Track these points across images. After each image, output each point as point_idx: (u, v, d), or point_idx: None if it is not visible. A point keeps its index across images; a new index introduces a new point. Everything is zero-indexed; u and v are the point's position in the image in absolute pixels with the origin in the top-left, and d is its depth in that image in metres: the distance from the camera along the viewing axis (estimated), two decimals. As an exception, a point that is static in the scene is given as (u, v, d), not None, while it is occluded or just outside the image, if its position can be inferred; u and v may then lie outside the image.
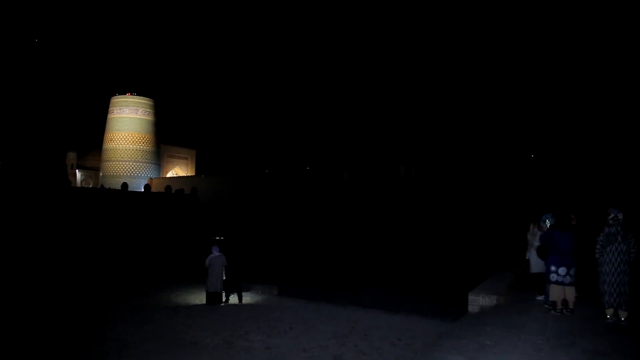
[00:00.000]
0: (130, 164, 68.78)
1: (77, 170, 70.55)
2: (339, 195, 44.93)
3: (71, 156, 69.74)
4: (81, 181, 70.53)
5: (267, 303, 13.28)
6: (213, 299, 12.81)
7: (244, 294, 13.66)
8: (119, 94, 71.70)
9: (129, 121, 70.09)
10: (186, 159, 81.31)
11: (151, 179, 68.60)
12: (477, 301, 9.82)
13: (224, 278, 13.10)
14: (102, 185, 61.89)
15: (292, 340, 9.29)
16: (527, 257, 10.74)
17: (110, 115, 71.30)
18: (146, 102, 71.95)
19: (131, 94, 71.51)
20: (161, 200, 44.55)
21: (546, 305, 8.82)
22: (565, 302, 8.47)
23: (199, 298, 13.56)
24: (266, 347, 8.76)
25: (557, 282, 8.37)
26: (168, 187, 50.09)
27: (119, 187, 53.26)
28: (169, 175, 75.09)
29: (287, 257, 27.15)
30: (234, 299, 13.37)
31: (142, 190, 53.88)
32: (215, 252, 13.05)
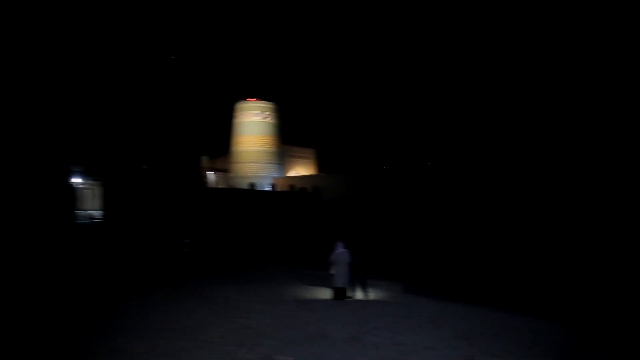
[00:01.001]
0: (256, 165, 72.93)
1: (210, 173, 76.24)
2: (460, 191, 43.35)
3: (205, 160, 75.56)
4: (214, 182, 76.12)
5: (393, 300, 13.26)
6: (339, 294, 13.11)
7: (370, 290, 13.78)
8: (243, 100, 76.43)
9: (253, 125, 74.47)
10: (307, 158, 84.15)
11: (276, 178, 72.07)
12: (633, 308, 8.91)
13: (350, 274, 13.35)
14: (232, 186, 66.43)
15: (420, 338, 9.17)
16: None
17: (236, 120, 76.25)
18: (268, 106, 75.85)
19: (255, 99, 75.85)
20: (286, 198, 46.58)
21: None
22: None
23: (326, 293, 13.96)
24: (394, 343, 8.74)
25: None
26: (292, 186, 52.21)
27: (247, 186, 56.82)
28: (292, 174, 78.24)
29: (411, 255, 26.85)
30: (360, 294, 13.58)
31: (268, 189, 56.85)
32: (340, 249, 13.35)
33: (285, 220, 39.27)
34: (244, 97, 76.83)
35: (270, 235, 32.64)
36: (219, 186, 72.88)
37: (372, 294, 13.90)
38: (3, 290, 12.87)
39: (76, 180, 40.44)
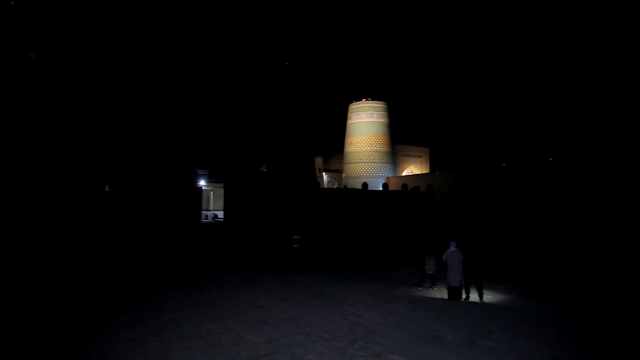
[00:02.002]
0: (369, 165, 73.26)
1: (324, 173, 78.22)
2: (587, 190, 39.70)
3: (318, 161, 77.73)
4: (327, 182, 77.93)
5: (510, 304, 12.64)
6: (454, 293, 12.86)
7: (485, 292, 13.28)
8: (355, 101, 77.20)
9: (365, 125, 74.89)
10: (420, 157, 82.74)
11: (388, 177, 71.77)
12: None
13: (462, 274, 13.02)
14: (345, 185, 67.46)
15: (542, 346, 8.65)
16: None
17: (349, 121, 77.24)
18: (380, 105, 75.79)
19: (366, 100, 76.23)
20: (399, 197, 46.23)
21: None
22: None
23: (439, 293, 13.72)
24: (512, 349, 8.35)
25: None
26: (404, 185, 51.67)
27: (359, 186, 57.32)
28: (404, 173, 77.41)
29: (530, 257, 25.22)
30: (474, 296, 13.14)
31: (381, 188, 56.78)
32: (453, 248, 13.09)
33: (397, 220, 39.00)
34: (356, 98, 77.71)
35: (381, 234, 32.62)
36: (332, 186, 74.44)
37: (488, 296, 13.36)
38: (145, 273, 14.47)
39: (202, 182, 43.92)
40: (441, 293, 13.58)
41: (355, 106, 76.66)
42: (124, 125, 34.75)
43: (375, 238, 30.98)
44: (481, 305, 12.38)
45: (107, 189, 31.88)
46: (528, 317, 11.00)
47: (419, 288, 14.33)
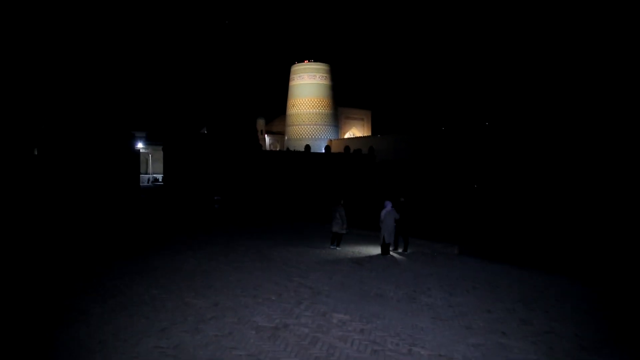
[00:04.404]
0: (311, 127, 73.18)
1: (266, 135, 77.43)
2: (516, 152, 41.73)
3: (260, 122, 76.73)
4: (270, 144, 77.33)
5: (448, 261, 13.24)
6: (385, 249, 13.93)
7: (422, 249, 14.23)
8: (298, 62, 76.09)
9: (308, 87, 74.29)
10: (362, 119, 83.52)
11: (331, 140, 72.13)
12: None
13: (395, 231, 14.12)
14: (287, 148, 67.21)
15: (476, 300, 9.18)
16: None
17: (291, 83, 76.31)
18: (323, 67, 75.18)
19: (309, 61, 75.32)
20: (341, 160, 46.67)
21: None
22: None
23: (377, 250, 14.36)
24: (449, 304, 8.82)
25: None
26: (347, 148, 52.13)
27: (302, 148, 57.29)
28: (346, 136, 78.04)
29: (466, 217, 26.45)
30: (402, 249, 14.64)
31: (323, 151, 57.01)
32: (388, 207, 14.06)
33: (338, 182, 39.51)
34: (299, 59, 76.61)
35: (323, 196, 32.99)
36: (275, 148, 74.02)
37: (414, 249, 14.69)
38: (75, 240, 13.96)
39: (140, 145, 42.34)
40: (378, 250, 14.29)
41: (297, 67, 75.68)
42: (52, 84, 32.60)
43: (318, 200, 31.30)
44: (421, 263, 12.89)
45: (35, 153, 30.10)
46: (464, 273, 11.59)
47: (338, 248, 14.77)
